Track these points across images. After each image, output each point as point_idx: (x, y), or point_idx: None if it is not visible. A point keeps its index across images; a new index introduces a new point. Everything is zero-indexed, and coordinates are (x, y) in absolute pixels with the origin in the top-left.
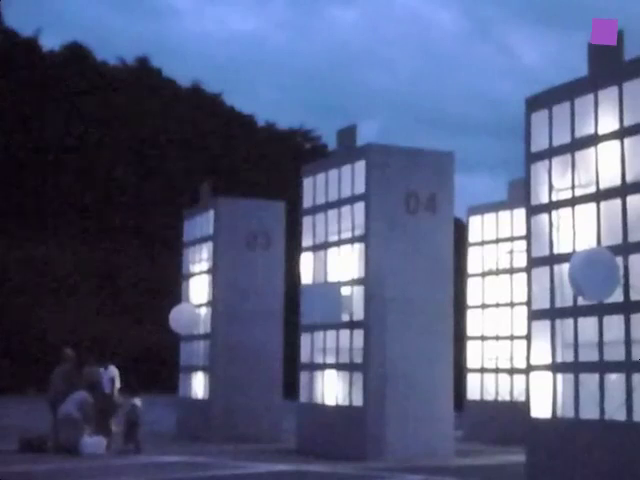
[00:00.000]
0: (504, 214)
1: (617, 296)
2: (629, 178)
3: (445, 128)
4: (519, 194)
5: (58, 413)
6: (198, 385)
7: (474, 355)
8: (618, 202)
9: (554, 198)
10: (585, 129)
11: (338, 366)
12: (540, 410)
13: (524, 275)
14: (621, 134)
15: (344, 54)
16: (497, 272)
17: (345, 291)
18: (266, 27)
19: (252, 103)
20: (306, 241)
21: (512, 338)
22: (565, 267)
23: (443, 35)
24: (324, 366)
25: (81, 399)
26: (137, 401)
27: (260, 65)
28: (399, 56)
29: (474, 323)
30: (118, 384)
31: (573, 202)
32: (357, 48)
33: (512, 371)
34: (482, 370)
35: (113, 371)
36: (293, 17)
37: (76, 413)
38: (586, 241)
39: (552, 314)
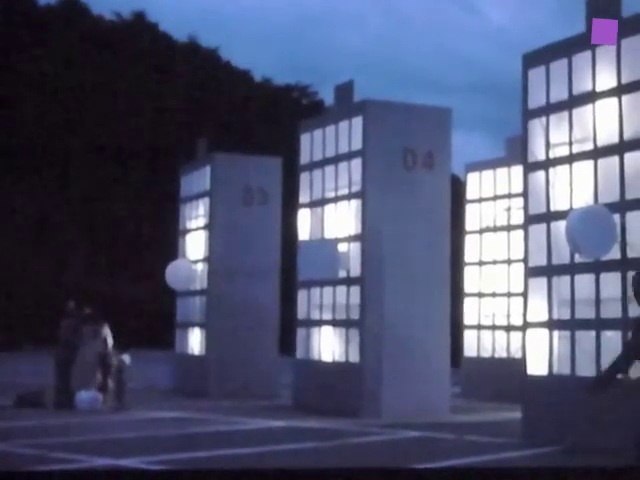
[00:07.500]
0: (502, 171)
1: (614, 253)
2: (627, 135)
3: (417, 86)
4: (517, 151)
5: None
6: (194, 341)
7: (471, 312)
8: (616, 159)
9: (551, 155)
10: (583, 86)
11: (334, 322)
12: (536, 367)
13: (521, 232)
14: (619, 91)
15: (310, 10)
16: (494, 229)
17: (342, 247)
18: None
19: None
20: (303, 197)
21: (509, 295)
22: (562, 224)
23: None
24: (320, 322)
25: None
26: (125, 357)
27: (228, 22)
28: (367, 14)
29: (471, 280)
30: (111, 341)
31: (571, 159)
32: (323, 4)
33: (509, 328)
34: (479, 327)
35: (105, 329)
36: None
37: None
38: (583, 198)
39: (549, 271)
